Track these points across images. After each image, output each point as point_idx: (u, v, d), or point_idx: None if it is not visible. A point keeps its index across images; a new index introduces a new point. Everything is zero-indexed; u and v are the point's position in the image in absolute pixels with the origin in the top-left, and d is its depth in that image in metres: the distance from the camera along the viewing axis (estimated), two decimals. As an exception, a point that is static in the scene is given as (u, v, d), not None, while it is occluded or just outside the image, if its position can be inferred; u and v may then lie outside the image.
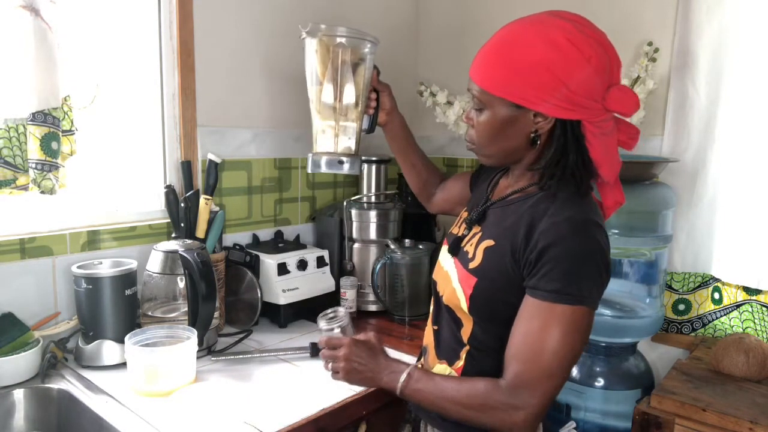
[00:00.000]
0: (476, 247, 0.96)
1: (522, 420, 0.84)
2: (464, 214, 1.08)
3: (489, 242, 0.94)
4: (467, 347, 0.96)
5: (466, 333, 0.96)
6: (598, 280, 0.85)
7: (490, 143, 0.95)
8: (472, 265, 0.95)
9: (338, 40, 1.19)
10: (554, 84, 0.84)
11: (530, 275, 0.86)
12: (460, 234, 1.04)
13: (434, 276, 1.07)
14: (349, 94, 1.21)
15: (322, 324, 1.13)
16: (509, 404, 0.84)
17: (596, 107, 0.87)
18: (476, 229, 1.00)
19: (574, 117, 0.87)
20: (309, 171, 1.29)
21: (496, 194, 1.04)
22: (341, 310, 1.15)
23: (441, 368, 1.00)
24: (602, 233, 0.86)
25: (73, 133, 1.29)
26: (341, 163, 1.24)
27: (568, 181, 0.90)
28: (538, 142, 0.91)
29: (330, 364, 1.04)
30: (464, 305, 0.94)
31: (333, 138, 1.25)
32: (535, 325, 0.84)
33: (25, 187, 1.22)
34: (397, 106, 1.33)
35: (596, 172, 0.92)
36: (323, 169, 1.26)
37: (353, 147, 1.27)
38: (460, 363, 0.97)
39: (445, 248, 1.07)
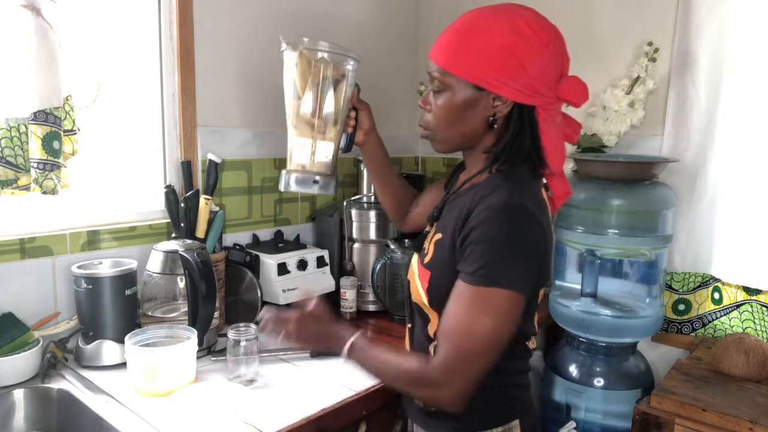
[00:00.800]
0: (430, 243, 1.00)
1: (448, 398, 0.86)
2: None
3: (438, 236, 0.97)
4: (434, 342, 0.97)
5: (432, 328, 0.98)
6: (521, 264, 0.85)
7: (448, 127, 0.96)
8: (426, 260, 0.98)
9: (320, 54, 1.14)
10: (516, 68, 0.87)
11: (460, 259, 0.88)
12: (424, 233, 1.07)
13: (408, 276, 1.09)
14: (329, 111, 1.16)
15: (231, 333, 1.21)
16: (436, 382, 0.86)
17: (550, 95, 0.91)
18: (435, 226, 1.03)
19: (531, 102, 0.90)
20: (281, 189, 1.20)
21: (454, 189, 1.05)
22: (253, 327, 1.23)
23: None
24: (532, 219, 0.87)
25: (75, 133, 1.29)
26: (315, 182, 1.17)
27: (518, 166, 0.93)
28: (495, 126, 0.93)
29: (281, 330, 1.01)
30: (425, 300, 0.97)
31: (309, 155, 1.18)
32: (459, 307, 0.86)
33: (27, 188, 1.22)
34: (376, 126, 1.28)
35: (545, 161, 0.94)
36: (293, 187, 1.18)
37: (330, 166, 1.20)
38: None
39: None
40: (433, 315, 0.97)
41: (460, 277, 0.87)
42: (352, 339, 0.95)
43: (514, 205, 0.86)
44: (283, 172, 1.19)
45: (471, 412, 0.89)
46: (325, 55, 1.14)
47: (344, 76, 1.17)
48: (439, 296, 0.93)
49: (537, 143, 0.93)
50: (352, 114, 1.22)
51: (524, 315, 0.91)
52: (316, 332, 0.99)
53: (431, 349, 0.98)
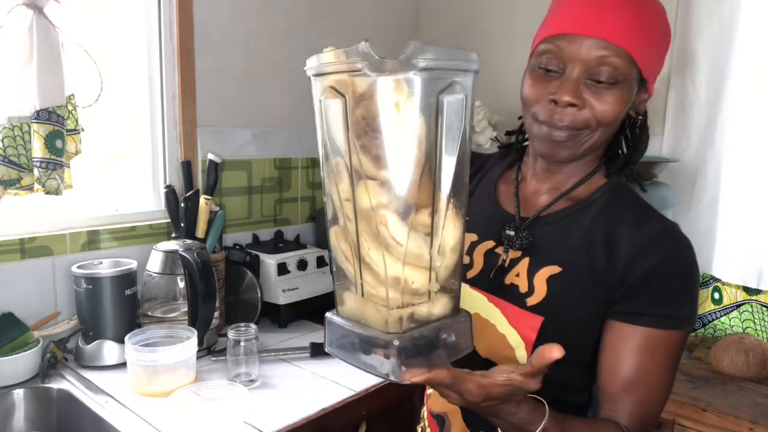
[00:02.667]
0: (531, 277, 0.75)
1: None
2: (469, 237, 0.83)
3: (553, 269, 0.74)
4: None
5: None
6: (698, 296, 0.74)
7: (610, 129, 0.74)
8: (532, 300, 0.74)
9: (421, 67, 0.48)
10: (664, 55, 0.74)
11: (629, 299, 0.71)
12: (477, 264, 0.81)
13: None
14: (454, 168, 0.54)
15: (231, 333, 1.20)
16: None
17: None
18: (513, 254, 0.78)
19: (652, 95, 0.76)
20: (390, 378, 0.54)
21: (530, 205, 0.82)
22: (253, 327, 1.22)
23: None
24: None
25: (78, 132, 1.29)
26: (447, 345, 0.56)
27: (629, 174, 0.79)
28: (626, 124, 0.78)
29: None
30: (522, 354, 0.74)
31: (426, 280, 0.53)
32: (643, 358, 0.70)
33: (30, 188, 1.22)
34: None
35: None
36: (410, 375, 0.54)
37: (455, 292, 0.58)
38: None
39: (466, 288, 0.79)
40: None
41: (634, 320, 0.70)
42: (542, 424, 0.65)
43: (678, 228, 0.73)
44: (362, 338, 0.54)
45: None
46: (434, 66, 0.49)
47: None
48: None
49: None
50: None
51: None
52: (495, 414, 0.65)
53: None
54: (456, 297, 0.57)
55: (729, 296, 1.62)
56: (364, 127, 0.47)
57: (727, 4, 1.52)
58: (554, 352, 0.57)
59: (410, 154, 0.47)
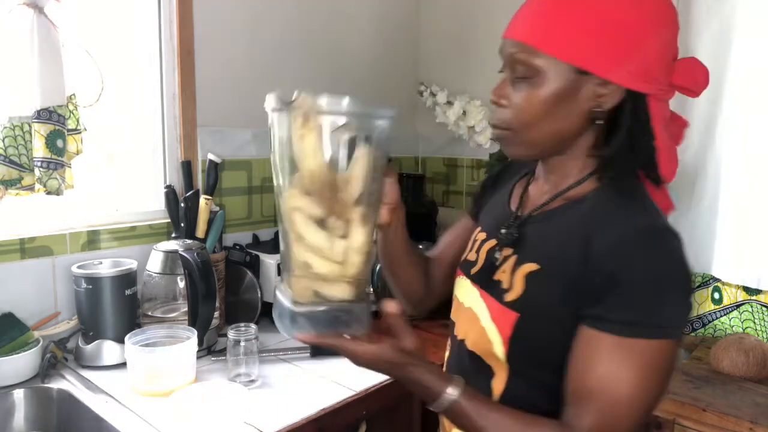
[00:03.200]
0: (513, 274, 0.75)
1: None
2: (480, 236, 0.87)
3: (531, 266, 0.74)
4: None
5: (498, 387, 0.76)
6: (683, 303, 0.67)
7: (537, 125, 0.73)
8: (510, 296, 0.74)
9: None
10: (632, 45, 0.68)
11: (594, 303, 0.67)
12: (480, 261, 0.83)
13: (452, 315, 0.87)
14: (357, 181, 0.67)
15: (231, 333, 1.21)
16: None
17: (665, 81, 0.71)
18: (506, 251, 0.79)
19: (646, 90, 0.70)
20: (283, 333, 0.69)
21: (531, 204, 0.82)
22: (253, 327, 1.23)
23: None
24: (680, 242, 0.67)
25: (79, 132, 1.29)
26: (341, 322, 0.67)
27: (631, 175, 0.75)
28: (598, 121, 0.73)
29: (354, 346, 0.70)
30: (499, 350, 0.74)
31: (324, 263, 0.66)
32: (608, 367, 0.65)
33: (31, 188, 1.22)
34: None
35: (659, 167, 0.75)
36: (299, 334, 0.67)
37: (361, 279, 0.68)
38: None
39: (462, 279, 0.85)
40: (501, 369, 0.75)
41: (600, 326, 0.66)
42: (453, 396, 0.68)
43: (661, 230, 0.67)
44: (281, 303, 0.67)
45: None
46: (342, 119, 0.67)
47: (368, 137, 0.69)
48: (529, 348, 0.72)
49: (652, 143, 0.73)
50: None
51: None
52: (400, 376, 0.71)
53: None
54: (360, 287, 0.67)
55: (729, 296, 1.62)
56: (281, 151, 0.65)
57: (727, 4, 1.52)
58: (389, 305, 0.69)
59: (309, 173, 0.63)
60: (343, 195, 0.64)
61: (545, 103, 0.71)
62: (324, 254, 0.64)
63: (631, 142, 0.72)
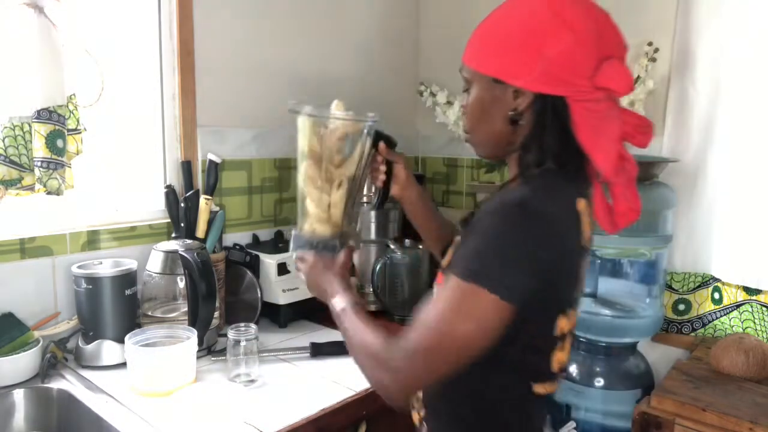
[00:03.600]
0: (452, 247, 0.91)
1: (393, 386, 0.77)
2: None
3: (457, 240, 0.89)
4: None
5: None
6: (513, 270, 0.73)
7: (476, 127, 0.88)
8: (444, 262, 0.90)
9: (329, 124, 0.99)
10: (532, 55, 0.78)
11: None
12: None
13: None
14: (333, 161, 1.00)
15: (231, 333, 1.22)
16: (389, 364, 0.76)
17: (583, 84, 0.77)
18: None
19: (555, 92, 0.78)
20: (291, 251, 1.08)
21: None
22: (253, 327, 1.25)
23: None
24: (541, 224, 0.74)
25: (79, 132, 1.29)
26: (314, 246, 1.00)
27: (552, 170, 0.81)
28: (520, 122, 0.82)
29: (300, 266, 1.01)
30: None
31: (312, 216, 1.01)
32: (440, 299, 0.76)
33: (31, 188, 1.22)
34: (412, 178, 1.15)
35: (587, 158, 0.80)
36: (292, 250, 1.06)
37: (334, 227, 1.00)
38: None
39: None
40: None
41: (448, 268, 0.79)
42: (345, 303, 0.88)
43: (524, 204, 0.75)
44: (294, 235, 1.04)
45: None
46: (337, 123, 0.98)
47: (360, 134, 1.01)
48: None
49: (569, 139, 0.79)
50: (382, 168, 1.10)
51: (529, 344, 0.80)
52: (317, 282, 0.96)
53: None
54: (336, 227, 0.98)
55: (729, 296, 1.62)
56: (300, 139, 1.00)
57: (727, 4, 1.52)
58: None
59: (310, 150, 0.97)
60: (328, 166, 0.97)
61: (476, 108, 0.87)
62: (316, 203, 0.97)
63: (540, 138, 0.81)
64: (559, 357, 0.83)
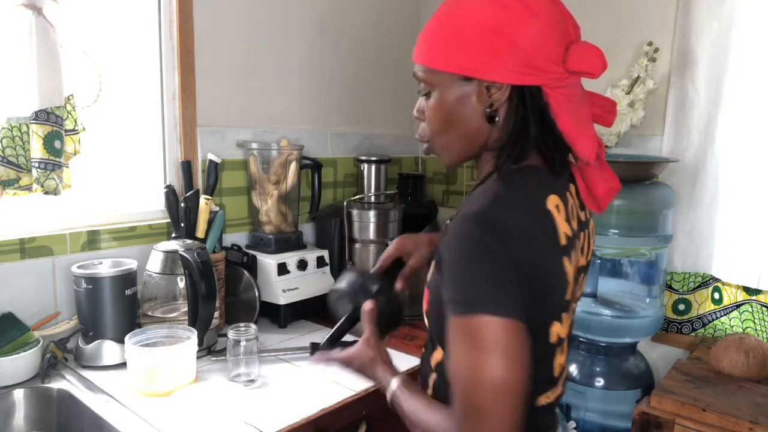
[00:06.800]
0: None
1: None
2: None
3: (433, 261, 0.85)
4: (434, 375, 0.85)
5: (436, 357, 0.84)
6: (487, 281, 0.68)
7: (444, 131, 0.81)
8: (428, 277, 0.83)
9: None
10: (505, 45, 0.73)
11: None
12: None
13: None
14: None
15: (231, 333, 1.22)
16: None
17: (557, 70, 0.74)
18: None
19: (533, 82, 0.74)
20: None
21: None
22: (253, 327, 1.24)
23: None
24: (496, 232, 0.69)
25: (77, 133, 1.29)
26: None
27: (530, 162, 0.78)
28: (497, 118, 0.77)
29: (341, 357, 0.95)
30: (427, 323, 0.84)
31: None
32: (451, 347, 0.71)
33: (28, 188, 1.22)
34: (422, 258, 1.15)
35: (569, 148, 0.78)
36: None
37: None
38: (429, 393, 0.86)
39: None
40: (435, 342, 0.85)
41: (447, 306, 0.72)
42: (392, 388, 0.84)
43: (471, 215, 0.71)
44: None
45: None
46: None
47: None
48: (435, 322, 0.80)
49: (550, 129, 0.77)
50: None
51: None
52: (363, 374, 0.92)
53: (430, 381, 0.86)
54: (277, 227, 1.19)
55: (729, 296, 1.62)
56: None
57: (727, 4, 1.52)
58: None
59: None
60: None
61: (443, 111, 0.79)
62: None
63: (520, 131, 0.77)
64: (559, 360, 0.80)
